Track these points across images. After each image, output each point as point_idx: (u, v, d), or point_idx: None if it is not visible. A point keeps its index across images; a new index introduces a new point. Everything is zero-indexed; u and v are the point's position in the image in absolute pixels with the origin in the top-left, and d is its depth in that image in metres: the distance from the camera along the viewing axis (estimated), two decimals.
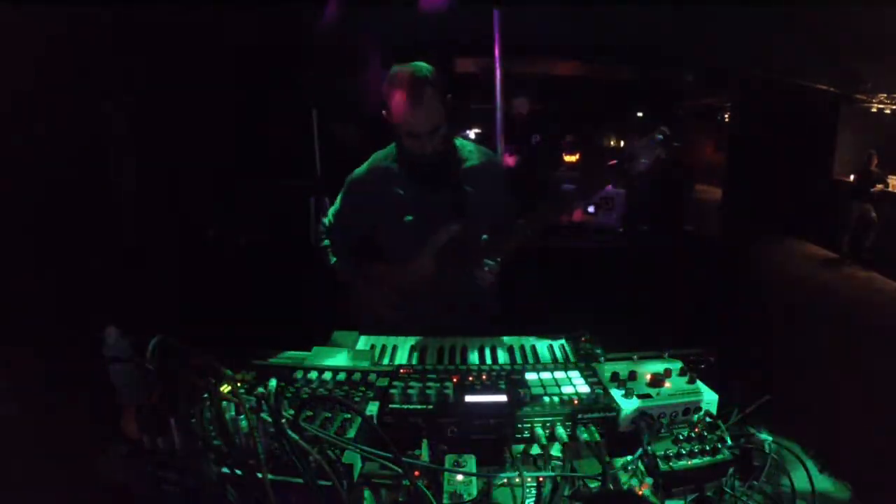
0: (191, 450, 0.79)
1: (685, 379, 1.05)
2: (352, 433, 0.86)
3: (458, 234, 1.52)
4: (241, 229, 4.00)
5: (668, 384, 1.02)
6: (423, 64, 1.45)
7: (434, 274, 1.56)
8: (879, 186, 5.32)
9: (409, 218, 1.60)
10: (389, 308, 1.64)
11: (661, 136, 1.18)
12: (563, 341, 1.38)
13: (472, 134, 5.18)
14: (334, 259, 1.74)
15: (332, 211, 1.75)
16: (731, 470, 0.90)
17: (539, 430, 0.93)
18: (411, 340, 1.40)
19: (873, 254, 4.98)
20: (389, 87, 1.43)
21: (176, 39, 2.97)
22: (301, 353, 1.24)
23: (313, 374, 1.07)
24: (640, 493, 0.83)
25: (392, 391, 0.98)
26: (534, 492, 0.85)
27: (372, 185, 1.63)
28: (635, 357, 1.16)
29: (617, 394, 0.99)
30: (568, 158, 5.68)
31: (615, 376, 1.06)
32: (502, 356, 1.32)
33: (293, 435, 0.76)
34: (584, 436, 0.92)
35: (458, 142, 1.65)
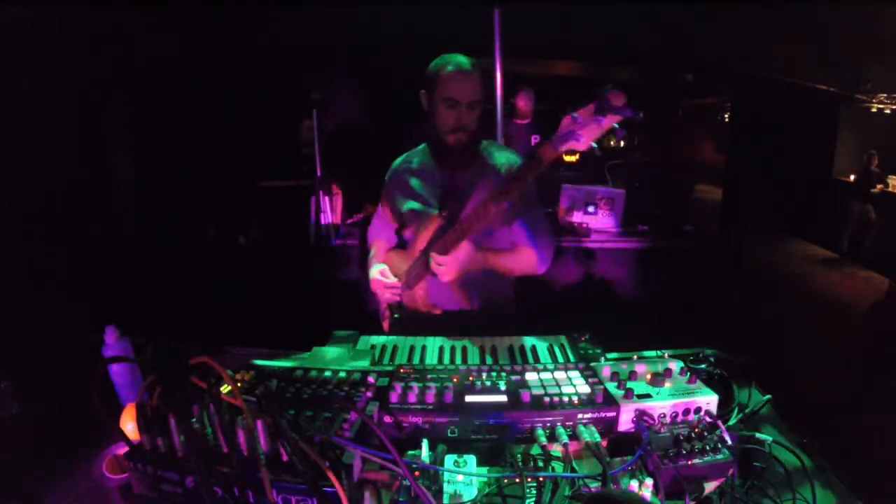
0: (191, 450, 0.79)
1: (685, 379, 1.05)
2: (352, 433, 0.86)
3: (445, 224, 1.52)
4: (241, 229, 4.01)
5: (668, 384, 1.02)
6: None
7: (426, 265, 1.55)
8: (879, 186, 5.32)
9: (421, 208, 1.65)
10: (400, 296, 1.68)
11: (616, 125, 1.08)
12: (563, 341, 1.38)
13: None
14: (371, 253, 1.84)
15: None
16: (731, 470, 0.90)
17: (539, 430, 0.93)
18: (411, 340, 1.40)
19: (873, 253, 4.98)
20: (439, 64, 1.55)
21: (177, 39, 2.97)
22: (301, 353, 1.24)
23: (313, 374, 1.07)
24: (640, 492, 0.83)
25: (392, 391, 0.98)
26: (534, 492, 0.85)
27: (400, 176, 1.73)
28: (635, 357, 1.16)
29: (617, 394, 0.99)
30: (567, 158, 5.66)
31: (615, 376, 1.06)
32: (502, 356, 1.32)
33: (293, 435, 0.76)
34: (585, 436, 0.92)
35: (485, 142, 1.69)
